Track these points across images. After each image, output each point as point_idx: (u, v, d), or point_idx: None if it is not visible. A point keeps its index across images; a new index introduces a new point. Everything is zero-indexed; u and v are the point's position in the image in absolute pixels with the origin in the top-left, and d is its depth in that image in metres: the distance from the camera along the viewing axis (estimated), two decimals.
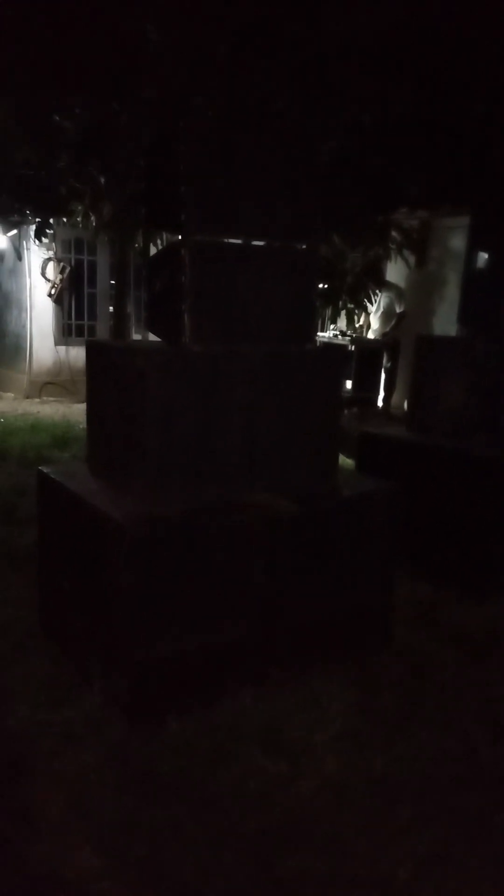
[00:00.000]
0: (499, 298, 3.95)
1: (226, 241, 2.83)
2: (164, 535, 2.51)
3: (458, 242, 8.04)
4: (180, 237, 2.71)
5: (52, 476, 2.99)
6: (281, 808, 2.19)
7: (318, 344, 3.52)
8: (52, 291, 9.61)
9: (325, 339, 8.77)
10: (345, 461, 4.78)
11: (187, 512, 2.62)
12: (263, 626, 2.76)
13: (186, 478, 2.76)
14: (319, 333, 9.39)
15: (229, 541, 2.65)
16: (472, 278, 4.21)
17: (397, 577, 3.25)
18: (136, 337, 9.44)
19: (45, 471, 3.06)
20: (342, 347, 8.12)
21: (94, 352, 3.06)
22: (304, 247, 3.06)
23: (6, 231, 9.28)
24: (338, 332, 8.83)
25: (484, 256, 4.17)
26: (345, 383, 8.42)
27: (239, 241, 2.86)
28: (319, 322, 9.08)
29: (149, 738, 2.43)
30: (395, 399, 8.79)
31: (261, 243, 2.92)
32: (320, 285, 7.23)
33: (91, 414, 3.11)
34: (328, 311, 7.98)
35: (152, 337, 3.03)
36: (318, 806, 2.21)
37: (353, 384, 8.40)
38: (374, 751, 2.45)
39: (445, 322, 8.35)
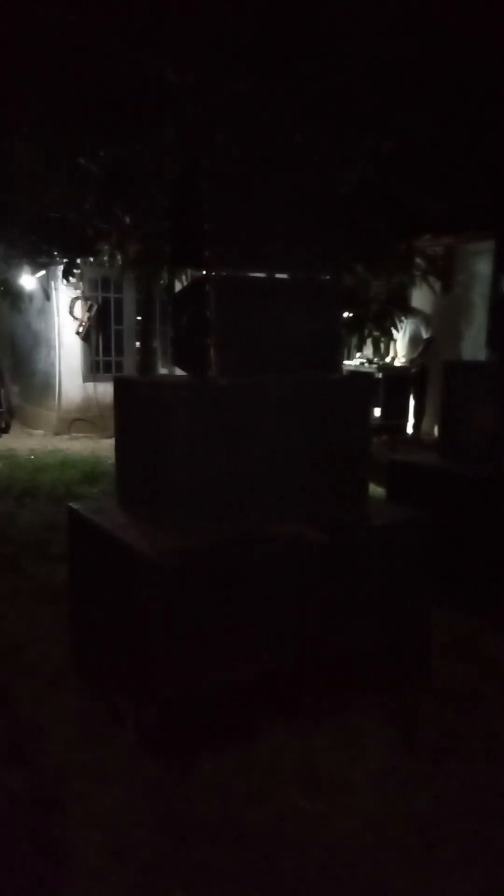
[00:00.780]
0: None
1: (250, 275, 2.86)
2: (194, 567, 2.50)
3: (483, 267, 8.03)
4: (204, 273, 2.74)
5: (82, 512, 3.01)
6: (319, 848, 2.13)
7: (344, 372, 3.54)
8: (80, 329, 9.79)
9: (352, 368, 8.76)
10: (375, 490, 4.73)
11: (217, 544, 2.61)
12: (297, 659, 2.72)
13: (216, 510, 2.76)
14: (346, 362, 9.40)
15: (260, 572, 2.63)
16: (500, 302, 4.18)
17: (435, 606, 3.19)
18: (163, 372, 9.55)
19: (74, 507, 3.08)
20: (369, 375, 8.11)
21: (122, 387, 3.10)
22: (327, 277, 3.08)
23: (35, 272, 9.50)
24: (364, 360, 8.83)
25: None
26: (373, 411, 8.39)
27: (263, 275, 2.89)
28: (345, 350, 9.10)
29: (182, 776, 2.39)
30: (424, 426, 8.72)
31: (284, 276, 2.95)
32: (345, 314, 7.24)
33: (119, 449, 3.13)
34: (354, 340, 7.98)
35: (179, 372, 3.05)
36: (357, 846, 2.14)
37: (382, 412, 8.35)
38: (414, 789, 2.38)
39: (473, 347, 8.30)
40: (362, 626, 2.89)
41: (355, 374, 7.41)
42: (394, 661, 2.96)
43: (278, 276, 2.91)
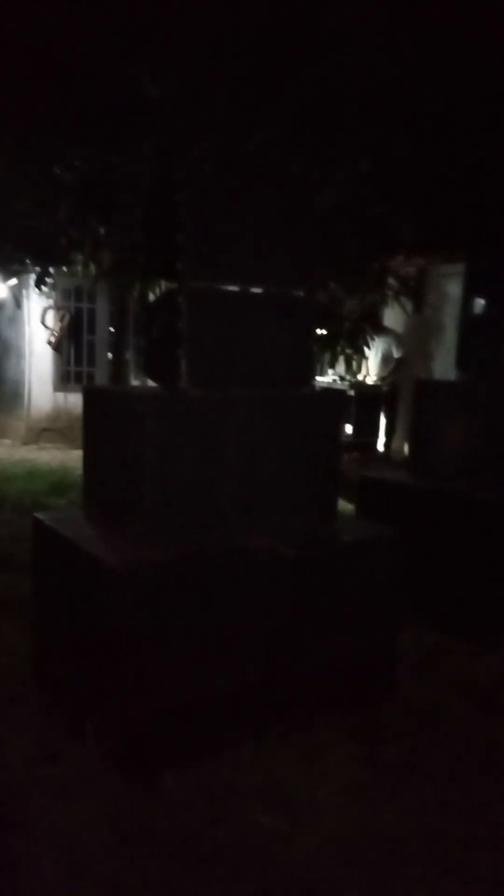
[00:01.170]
0: (496, 342, 3.97)
1: (223, 288, 2.86)
2: (160, 580, 2.47)
3: (454, 288, 8.15)
4: (177, 284, 2.74)
5: (47, 522, 2.96)
6: (282, 866, 2.09)
7: (316, 388, 3.54)
8: (52, 339, 9.71)
9: (325, 384, 8.82)
10: (345, 506, 4.74)
11: (184, 557, 2.58)
12: (263, 675, 2.69)
13: (184, 522, 2.73)
14: (319, 378, 9.46)
15: (228, 586, 2.60)
16: (469, 323, 4.24)
17: (403, 624, 3.19)
18: (135, 384, 9.51)
19: (40, 517, 3.03)
20: (341, 392, 8.16)
21: (91, 398, 3.07)
22: (301, 293, 3.09)
23: (6, 280, 9.41)
24: (337, 378, 8.89)
25: (480, 302, 4.22)
26: (345, 428, 8.45)
27: (236, 289, 2.90)
28: (318, 367, 9.16)
29: (144, 793, 2.34)
30: (395, 444, 8.79)
31: (258, 290, 2.95)
32: (318, 331, 7.29)
33: (87, 459, 3.09)
34: (327, 357, 8.05)
35: (151, 384, 3.04)
36: (321, 864, 2.11)
37: (353, 429, 8.42)
38: (378, 805, 2.36)
39: (443, 366, 8.41)
40: (329, 641, 2.88)
41: (327, 391, 7.46)
42: (360, 677, 2.95)
43: (252, 289, 2.91)
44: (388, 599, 3.03)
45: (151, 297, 6.50)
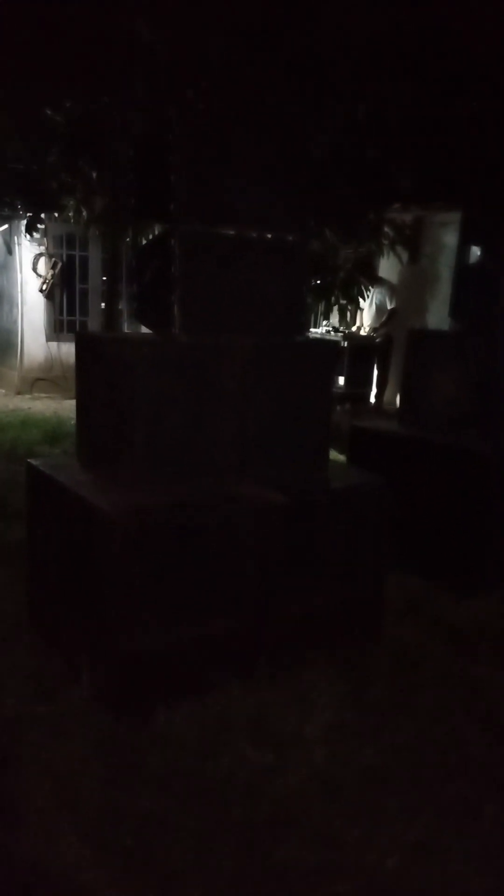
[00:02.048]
0: (489, 293, 3.94)
1: (216, 231, 2.82)
2: (152, 526, 2.50)
3: (450, 238, 8.05)
4: (170, 227, 2.70)
5: (41, 468, 2.97)
6: (269, 799, 2.18)
7: (309, 338, 3.51)
8: (44, 287, 9.57)
9: (318, 335, 8.76)
10: (337, 457, 4.77)
11: (176, 503, 2.61)
12: (253, 618, 2.75)
13: (176, 470, 2.75)
14: (312, 329, 9.39)
15: (218, 533, 2.64)
16: (463, 273, 4.21)
17: (390, 570, 3.25)
18: (129, 332, 9.42)
19: (34, 463, 3.05)
20: (333, 342, 8.12)
21: (84, 344, 3.05)
22: (295, 239, 3.05)
23: None
24: (330, 328, 8.83)
25: (475, 251, 4.17)
26: (337, 379, 8.42)
27: (229, 232, 2.85)
28: (312, 317, 9.08)
29: (136, 730, 2.41)
30: (387, 395, 8.79)
31: (252, 234, 2.91)
32: (313, 281, 7.21)
33: (80, 406, 3.09)
34: (321, 307, 7.97)
35: (144, 330, 3.02)
36: (307, 797, 2.20)
37: (346, 380, 8.39)
38: (362, 742, 2.44)
39: (438, 318, 8.35)
40: (319, 586, 2.94)
41: (319, 340, 7.41)
42: (347, 620, 3.02)
43: (246, 234, 2.87)
44: (376, 546, 3.08)
45: (144, 242, 6.39)
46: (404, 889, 1.90)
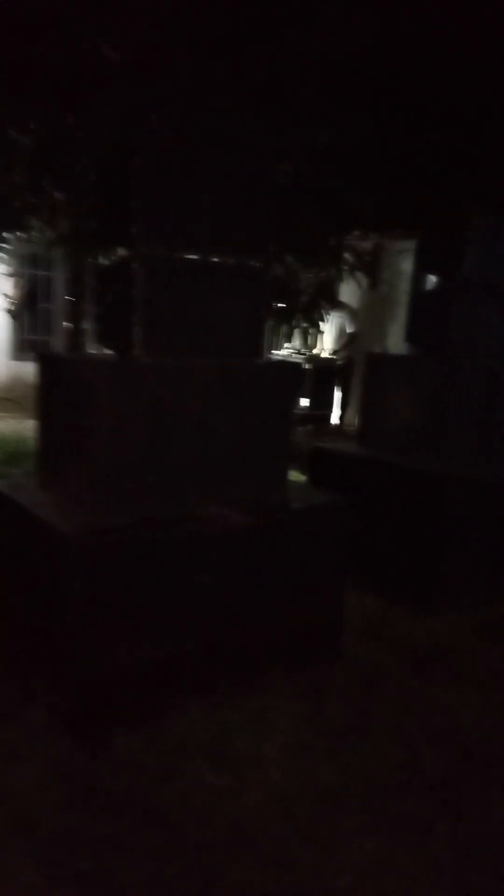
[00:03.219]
0: (443, 319, 4.06)
1: (177, 255, 2.87)
2: (112, 547, 2.50)
3: (408, 265, 8.22)
4: (132, 250, 2.73)
5: (1, 489, 2.95)
6: (226, 821, 2.18)
7: (270, 360, 3.56)
8: (12, 307, 9.53)
9: (281, 357, 8.86)
10: (299, 477, 4.83)
11: (136, 524, 2.62)
12: (213, 638, 2.76)
13: (137, 490, 2.76)
14: (275, 351, 9.50)
15: (179, 553, 2.65)
16: (419, 299, 4.32)
17: (348, 589, 3.29)
18: (92, 352, 9.40)
19: None
20: (293, 364, 8.22)
21: (45, 364, 3.05)
22: (257, 264, 3.11)
23: None
24: (293, 351, 8.94)
25: (430, 278, 4.29)
26: (300, 401, 8.52)
27: (191, 257, 2.90)
28: (275, 340, 9.18)
29: (94, 754, 2.40)
30: (349, 417, 8.91)
31: (214, 259, 2.96)
32: (276, 304, 7.32)
33: (41, 426, 3.09)
34: (283, 330, 8.08)
35: (106, 351, 3.03)
36: (263, 818, 2.21)
37: (309, 402, 8.50)
38: (319, 762, 2.46)
39: (397, 341, 8.52)
40: (279, 605, 2.96)
41: (280, 362, 7.49)
42: (307, 640, 3.04)
43: (207, 258, 2.92)
44: (336, 565, 3.12)
45: (106, 263, 6.41)
46: None
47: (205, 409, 2.87)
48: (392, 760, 2.51)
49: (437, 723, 2.74)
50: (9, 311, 9.46)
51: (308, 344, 8.98)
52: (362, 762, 2.48)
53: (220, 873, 1.98)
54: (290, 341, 9.06)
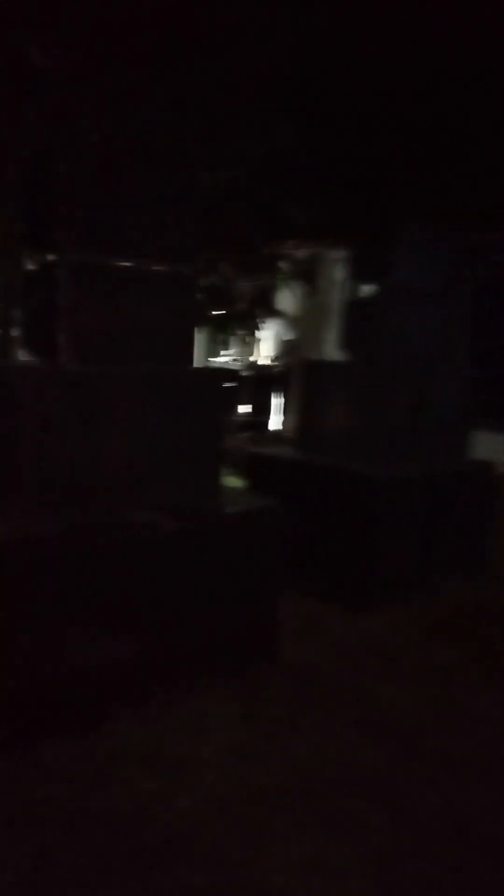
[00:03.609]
0: (375, 326, 4.16)
1: (103, 261, 2.86)
2: (42, 554, 2.46)
3: (343, 274, 8.39)
4: (56, 256, 2.71)
5: None
6: (159, 825, 2.16)
7: (201, 367, 3.58)
8: None
9: (219, 364, 8.90)
10: (239, 483, 4.84)
11: (66, 531, 2.58)
12: (147, 645, 2.74)
13: (67, 498, 2.73)
14: (213, 359, 9.53)
15: (110, 559, 2.63)
16: (351, 307, 4.41)
17: (286, 592, 3.32)
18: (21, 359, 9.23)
19: None
20: (225, 371, 8.28)
21: None
22: (185, 271, 3.12)
23: None
24: (231, 358, 8.99)
25: (362, 286, 4.39)
26: (239, 408, 8.57)
27: (117, 263, 2.89)
28: (213, 347, 9.21)
29: (24, 765, 2.35)
30: (288, 422, 8.99)
31: (142, 265, 2.96)
32: (212, 312, 7.35)
33: None
34: (221, 337, 8.13)
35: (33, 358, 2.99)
36: (197, 821, 2.20)
37: (248, 409, 8.55)
38: (255, 763, 2.47)
39: (334, 348, 8.66)
40: (213, 610, 2.96)
41: (209, 368, 7.54)
42: (243, 643, 3.05)
43: (133, 264, 2.92)
44: (270, 569, 3.15)
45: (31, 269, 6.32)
46: None
47: (134, 415, 2.86)
48: (326, 757, 2.53)
49: (371, 718, 2.79)
50: None
51: (246, 351, 9.05)
52: (297, 760, 2.50)
53: (154, 877, 1.97)
54: (227, 349, 9.11)
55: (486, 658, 3.34)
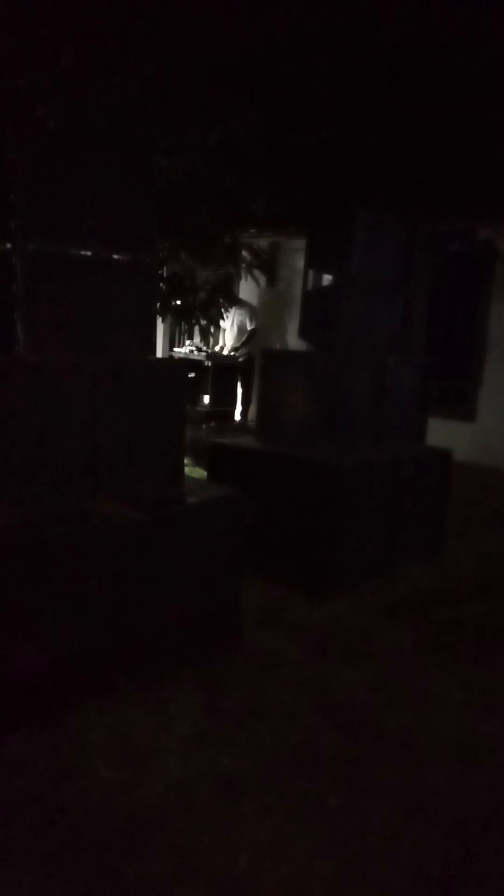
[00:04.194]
0: (333, 315, 4.18)
1: (61, 250, 2.82)
2: (2, 548, 2.44)
3: (303, 263, 8.42)
4: (10, 245, 2.67)
5: None
6: (123, 814, 2.18)
7: (162, 357, 3.55)
8: None
9: (181, 354, 8.86)
10: (202, 473, 4.85)
11: (24, 523, 2.56)
12: (111, 636, 2.74)
13: (25, 489, 2.70)
14: (176, 349, 9.48)
15: (71, 551, 2.62)
16: (310, 296, 4.43)
17: (249, 580, 3.34)
18: None
19: None
20: (194, 361, 8.25)
21: None
22: (144, 259, 3.10)
23: None
24: (194, 348, 8.96)
25: (320, 275, 4.41)
26: (202, 398, 8.55)
27: (76, 252, 2.86)
28: (176, 337, 9.15)
29: None
30: (251, 413, 9.01)
31: (100, 254, 2.93)
32: (173, 301, 7.31)
33: None
34: (184, 327, 8.09)
35: None
36: (162, 809, 2.22)
37: (211, 398, 8.54)
38: (218, 749, 2.50)
39: (296, 338, 8.70)
40: (178, 600, 2.97)
41: (170, 358, 7.51)
42: (207, 633, 3.07)
43: (93, 253, 2.89)
44: (232, 557, 3.17)
45: None
46: (254, 885, 1.96)
47: (93, 405, 2.84)
48: (289, 742, 2.57)
49: (332, 701, 2.83)
50: None
51: (208, 341, 9.02)
52: (260, 746, 2.53)
53: (118, 867, 1.98)
54: (191, 338, 9.07)
55: (443, 641, 3.42)
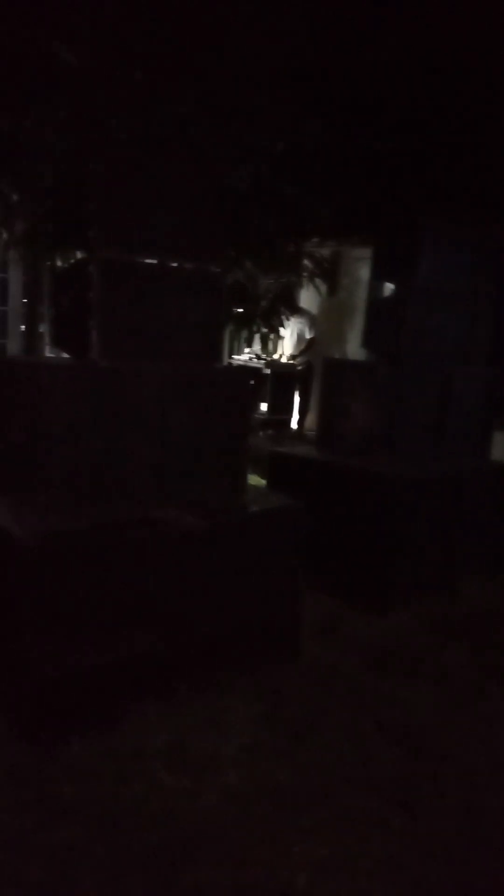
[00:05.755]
0: (397, 326, 4.14)
1: (135, 260, 2.87)
2: (68, 550, 2.49)
3: (366, 272, 8.36)
4: (88, 254, 2.73)
5: None
6: (183, 823, 2.18)
7: (230, 364, 3.57)
8: None
9: (241, 362, 8.89)
10: (259, 481, 4.85)
11: (91, 527, 2.61)
12: (171, 641, 2.76)
13: (93, 494, 2.75)
14: (236, 356, 9.53)
15: (135, 556, 2.65)
16: (375, 306, 4.40)
17: (306, 591, 3.32)
18: (49, 355, 9.29)
19: None
20: (254, 369, 8.27)
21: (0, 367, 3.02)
22: (213, 269, 3.13)
23: None
24: (253, 356, 8.99)
25: (387, 285, 4.37)
26: (260, 405, 8.57)
27: (148, 261, 2.91)
28: (236, 345, 9.20)
29: (49, 760, 2.38)
30: (308, 421, 8.98)
31: (171, 264, 2.98)
32: (235, 309, 7.35)
33: None
34: (244, 335, 8.13)
35: (63, 355, 3.02)
36: (221, 819, 2.21)
37: (269, 406, 8.55)
38: (276, 762, 2.48)
39: (356, 347, 8.64)
40: (237, 608, 2.98)
41: (237, 367, 7.55)
42: (265, 642, 3.07)
43: (163, 262, 2.93)
44: (292, 567, 3.15)
45: (63, 266, 6.36)
46: None
47: (161, 412, 2.88)
48: (348, 758, 2.54)
49: (391, 719, 2.78)
50: None
51: (268, 349, 9.03)
52: (318, 761, 2.50)
53: (176, 875, 1.98)
54: (250, 346, 9.10)
55: None
